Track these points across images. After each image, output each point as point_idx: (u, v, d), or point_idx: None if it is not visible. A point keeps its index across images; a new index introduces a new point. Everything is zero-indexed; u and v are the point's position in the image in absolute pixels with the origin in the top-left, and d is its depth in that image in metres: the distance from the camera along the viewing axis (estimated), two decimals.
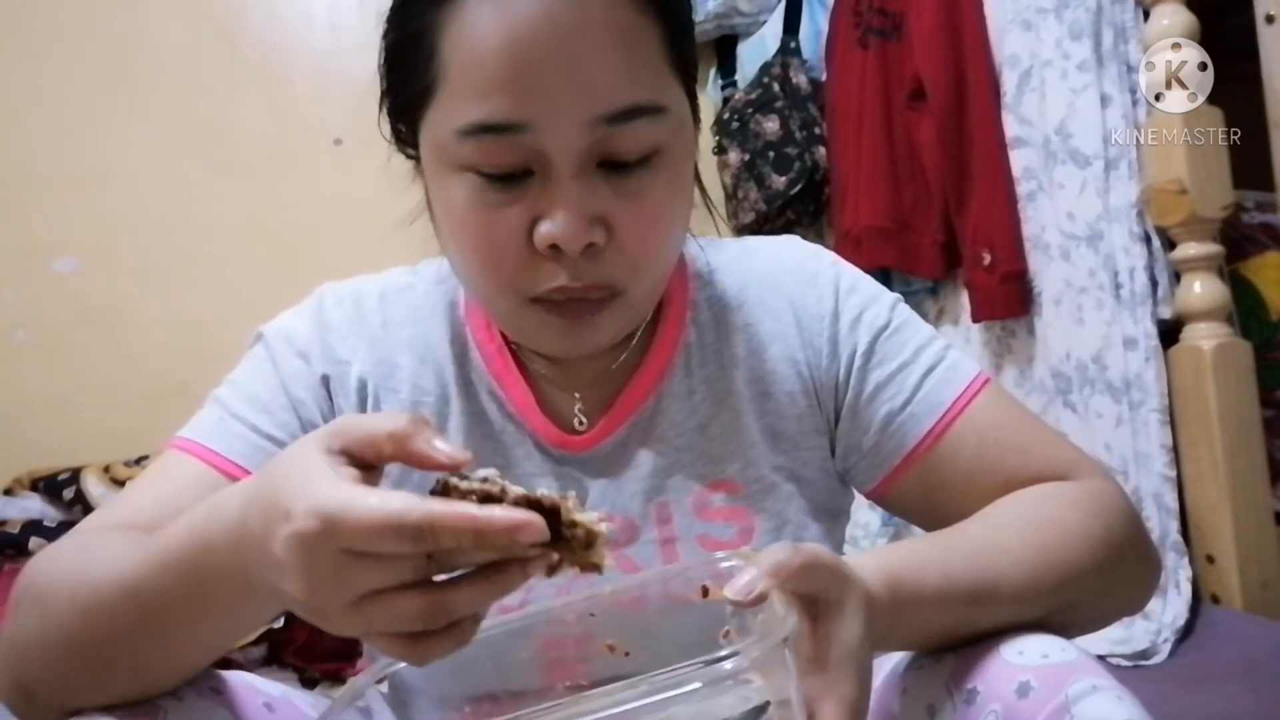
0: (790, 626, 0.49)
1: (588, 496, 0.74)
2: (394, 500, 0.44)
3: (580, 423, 0.76)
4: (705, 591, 0.59)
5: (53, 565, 0.62)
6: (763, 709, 0.51)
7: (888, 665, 0.68)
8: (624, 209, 0.64)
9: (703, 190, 0.79)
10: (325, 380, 0.76)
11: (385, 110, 0.71)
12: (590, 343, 0.69)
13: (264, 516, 0.47)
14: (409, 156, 0.73)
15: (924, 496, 0.74)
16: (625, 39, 0.63)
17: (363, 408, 0.76)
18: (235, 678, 0.66)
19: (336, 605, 0.46)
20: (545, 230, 0.63)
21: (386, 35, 0.69)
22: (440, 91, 0.64)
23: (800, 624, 0.53)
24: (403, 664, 0.58)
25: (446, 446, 0.47)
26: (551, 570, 0.47)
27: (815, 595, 0.54)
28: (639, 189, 0.65)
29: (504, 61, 0.61)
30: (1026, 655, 0.58)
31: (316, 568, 0.45)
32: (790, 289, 0.78)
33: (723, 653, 0.46)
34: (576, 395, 0.76)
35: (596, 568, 0.48)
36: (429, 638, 0.47)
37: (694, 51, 0.71)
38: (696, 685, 0.46)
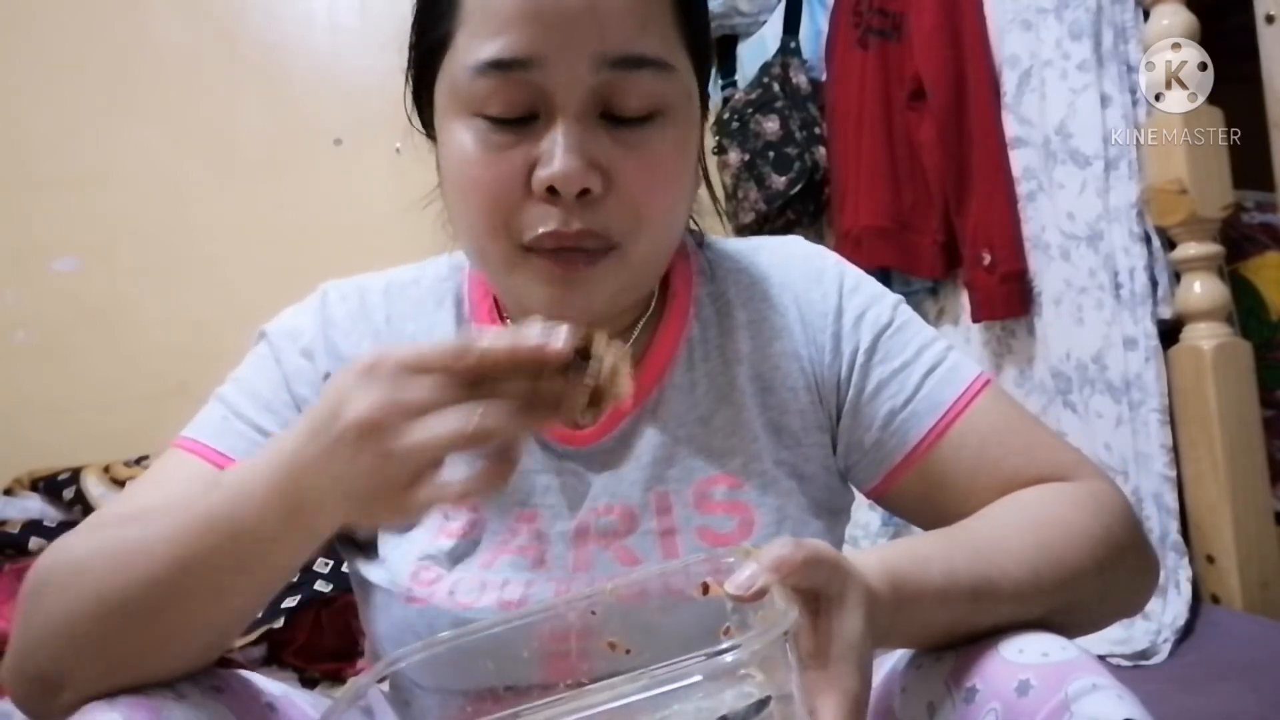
0: (791, 620, 0.49)
1: (589, 491, 0.74)
2: (442, 343, 0.52)
3: (583, 416, 0.76)
4: (705, 588, 0.59)
5: (79, 546, 0.62)
6: (764, 704, 0.51)
7: (888, 663, 0.68)
8: (625, 160, 0.65)
9: (709, 184, 0.79)
10: (329, 377, 0.76)
11: (409, 78, 0.74)
12: (582, 300, 0.68)
13: (332, 388, 0.53)
14: (426, 134, 0.74)
15: (924, 496, 0.74)
16: None
17: None
18: (238, 677, 0.66)
19: (392, 431, 0.50)
20: (543, 172, 0.64)
21: None
22: (458, 34, 0.66)
23: (801, 619, 0.53)
24: (403, 663, 0.58)
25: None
26: (579, 410, 0.53)
27: (817, 590, 0.54)
28: (641, 142, 0.66)
29: (518, 1, 0.63)
30: (1026, 654, 0.58)
31: (374, 387, 0.51)
32: (794, 286, 0.78)
33: (724, 645, 0.46)
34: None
35: (617, 398, 0.54)
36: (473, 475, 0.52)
37: (706, 37, 0.73)
38: (697, 679, 0.46)
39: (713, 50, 0.75)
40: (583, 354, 0.53)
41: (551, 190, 0.64)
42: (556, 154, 0.63)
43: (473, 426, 0.50)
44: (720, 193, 2.41)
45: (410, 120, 0.76)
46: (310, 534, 0.57)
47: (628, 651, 0.64)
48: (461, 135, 0.66)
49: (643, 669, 0.46)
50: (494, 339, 0.51)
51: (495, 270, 0.71)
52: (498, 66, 0.63)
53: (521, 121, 0.65)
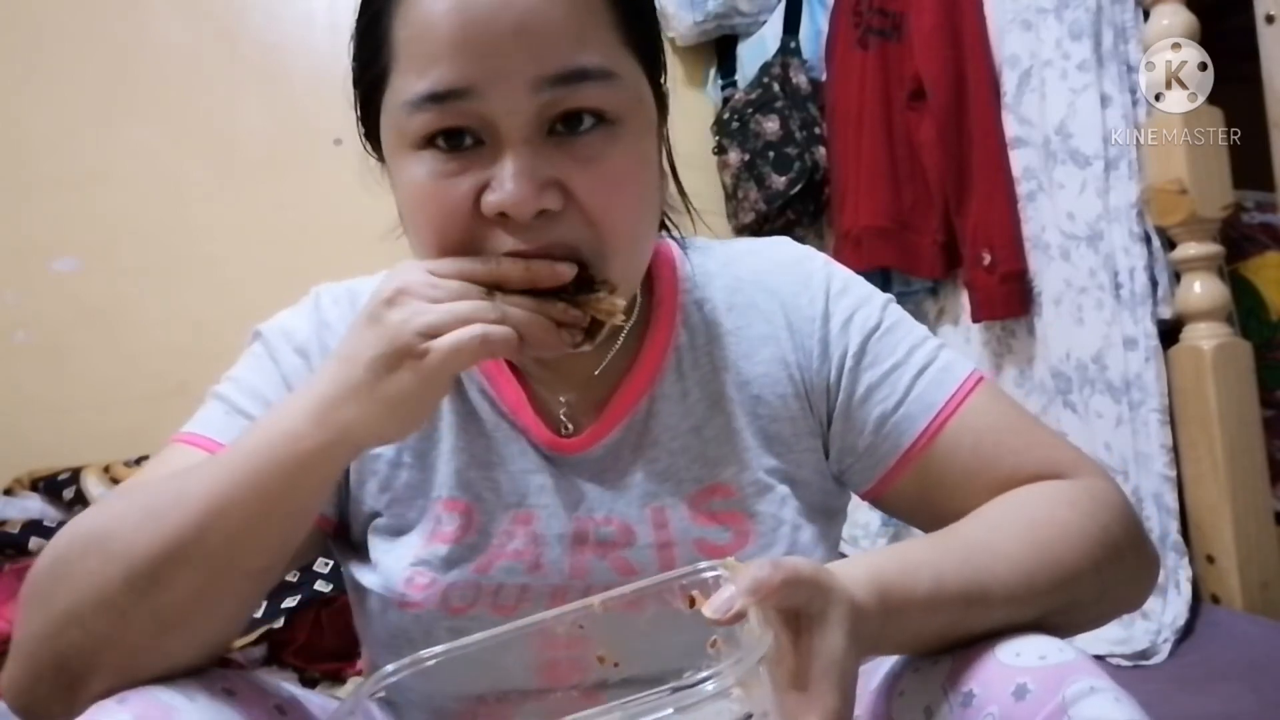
0: (766, 646, 0.49)
1: (584, 498, 0.74)
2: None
3: (566, 428, 0.75)
4: (692, 601, 0.59)
5: (98, 518, 0.63)
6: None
7: (883, 668, 0.68)
8: (580, 172, 0.64)
9: (677, 182, 0.77)
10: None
11: (356, 113, 0.73)
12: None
13: (371, 302, 0.62)
14: (379, 159, 0.73)
15: (920, 497, 0.74)
16: (571, 8, 0.63)
17: None
18: (247, 679, 0.66)
19: (423, 307, 0.59)
20: (492, 198, 0.62)
21: (353, 31, 0.70)
22: (393, 71, 0.65)
23: (779, 640, 0.53)
24: (393, 679, 0.58)
25: None
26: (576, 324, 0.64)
27: (797, 609, 0.54)
28: (594, 154, 0.64)
29: (446, 31, 0.61)
30: (1023, 657, 0.58)
31: (408, 281, 0.60)
32: (781, 291, 0.77)
33: (699, 676, 0.47)
34: (562, 399, 0.76)
35: (610, 313, 0.65)
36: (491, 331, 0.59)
37: (654, 35, 0.71)
38: (669, 711, 0.47)
39: (661, 48, 0.73)
40: (581, 285, 0.64)
41: (503, 215, 0.63)
42: (506, 180, 0.62)
43: (494, 313, 0.60)
44: (719, 193, 2.42)
45: (366, 150, 0.75)
46: (342, 453, 0.62)
47: (615, 665, 0.64)
48: (410, 169, 0.65)
49: (631, 685, 0.47)
50: (514, 254, 0.62)
51: None
52: (434, 99, 0.62)
53: (467, 148, 0.64)
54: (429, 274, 0.62)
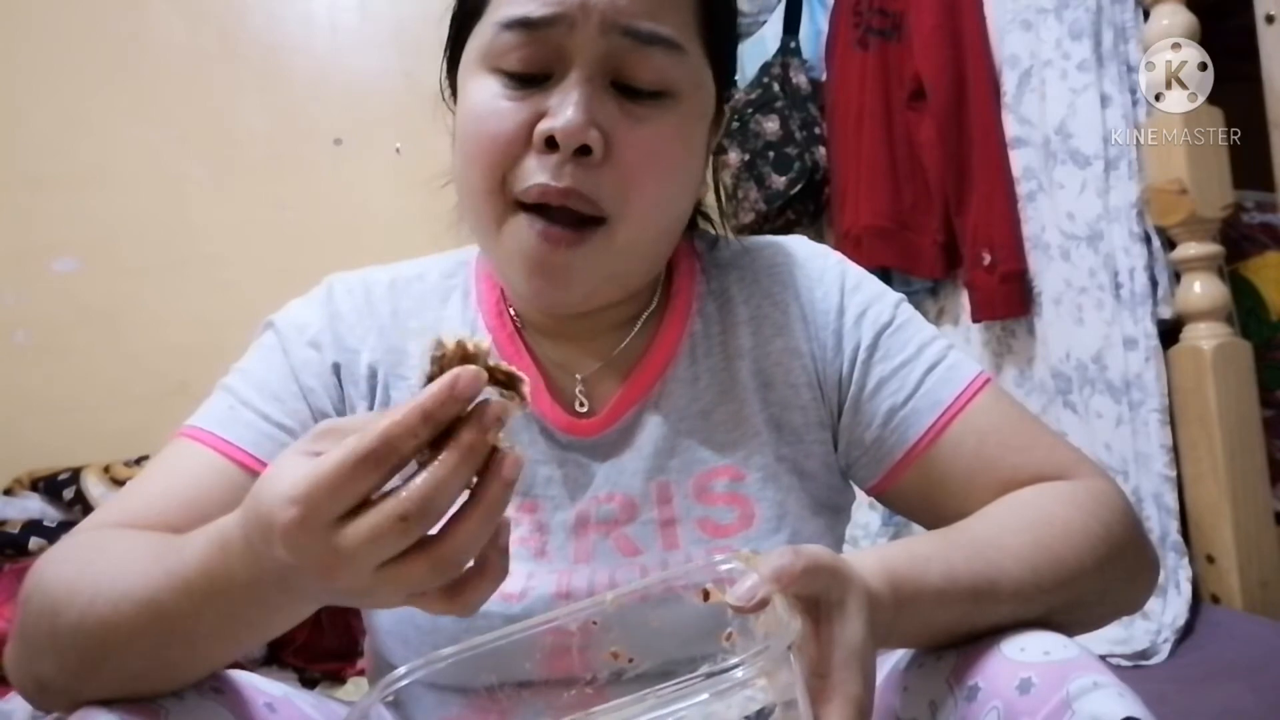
0: (795, 632, 0.49)
1: (591, 482, 0.75)
2: (347, 442, 0.45)
3: (581, 404, 0.77)
4: (706, 595, 0.59)
5: (62, 570, 0.62)
6: (769, 712, 0.51)
7: (889, 663, 0.68)
8: (628, 130, 0.68)
9: (719, 196, 0.82)
10: (336, 368, 0.77)
11: (446, 46, 0.77)
12: (563, 278, 0.69)
13: (260, 532, 0.48)
14: (451, 107, 0.77)
15: (924, 493, 0.74)
16: None
17: (372, 395, 0.77)
18: (237, 678, 0.66)
19: (362, 581, 0.47)
20: (545, 123, 0.66)
21: None
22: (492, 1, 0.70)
23: (804, 627, 0.53)
24: (404, 681, 0.57)
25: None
26: (501, 420, 0.47)
27: (817, 597, 0.54)
28: (646, 117, 0.68)
29: None
30: (1028, 652, 0.58)
31: (318, 552, 0.46)
32: (797, 284, 0.79)
33: (730, 662, 0.47)
34: (578, 376, 0.77)
35: (524, 402, 0.49)
36: (465, 585, 0.49)
37: (728, 44, 0.77)
38: (704, 697, 0.46)
39: (734, 58, 0.78)
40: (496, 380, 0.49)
41: (550, 143, 0.66)
42: (563, 107, 0.66)
43: (439, 557, 0.46)
44: (722, 194, 2.42)
45: (441, 88, 0.79)
46: (304, 605, 0.54)
47: (630, 660, 0.64)
48: (479, 88, 0.69)
49: (646, 680, 0.47)
50: (403, 412, 0.45)
51: (486, 232, 0.72)
52: (523, 24, 0.67)
53: (535, 81, 0.68)
54: (327, 482, 0.46)
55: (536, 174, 0.67)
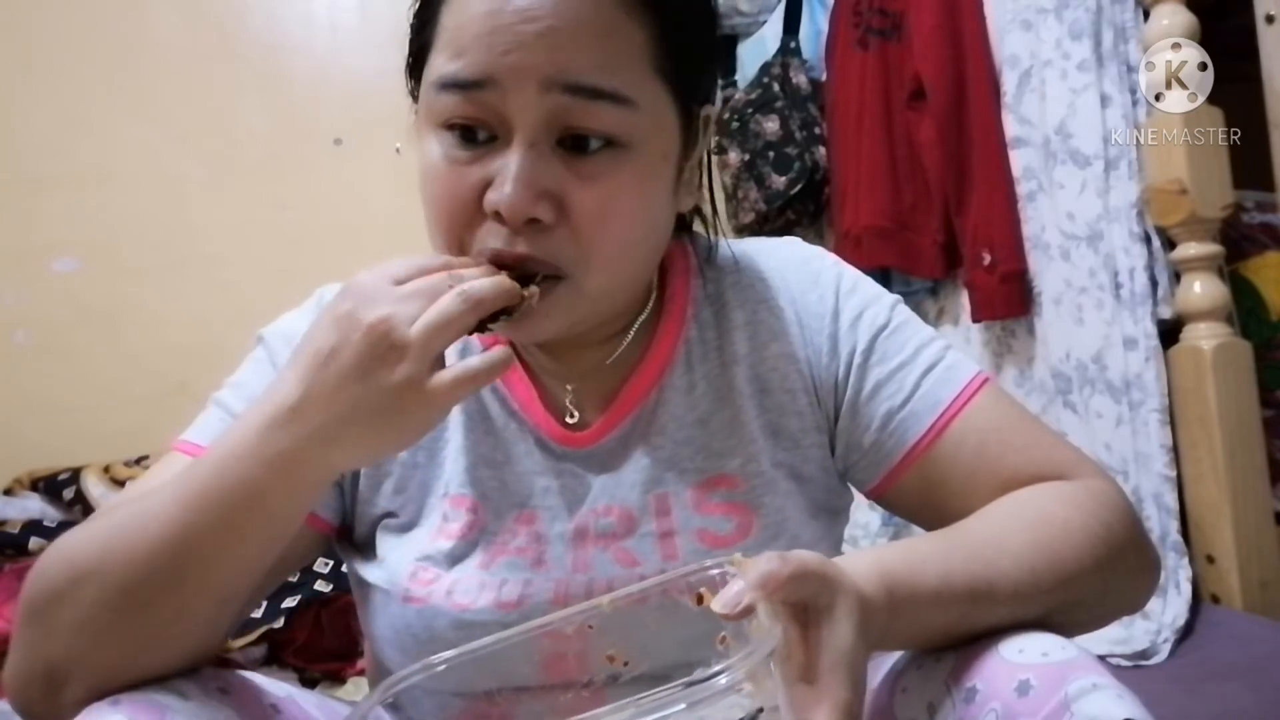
0: (775, 639, 0.49)
1: (589, 493, 0.75)
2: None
3: (572, 415, 0.76)
4: (700, 598, 0.59)
5: (76, 541, 0.63)
6: (753, 717, 0.51)
7: (887, 664, 0.68)
8: (579, 189, 0.65)
9: (713, 201, 0.80)
10: None
11: (408, 78, 0.76)
12: (531, 328, 0.68)
13: (306, 349, 0.59)
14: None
15: (924, 495, 0.74)
16: (603, 32, 0.64)
17: None
18: (242, 678, 0.66)
19: (401, 328, 0.56)
20: (492, 197, 0.64)
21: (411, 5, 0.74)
22: (433, 49, 0.68)
23: (787, 634, 0.53)
24: (401, 685, 0.58)
25: None
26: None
27: (805, 602, 0.54)
28: (598, 173, 0.65)
29: (480, 22, 0.64)
30: (1026, 653, 0.58)
31: (389, 304, 0.57)
32: (792, 288, 0.78)
33: (711, 671, 0.47)
34: (569, 387, 0.77)
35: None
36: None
37: (698, 64, 0.72)
38: (681, 706, 0.47)
39: (708, 77, 0.75)
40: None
41: (499, 215, 0.64)
42: (506, 181, 0.63)
43: (470, 294, 0.58)
44: (720, 204, 2.41)
45: (414, 113, 0.77)
46: (308, 488, 0.61)
47: (625, 664, 0.64)
48: (430, 146, 0.68)
49: (641, 683, 0.47)
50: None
51: None
52: (456, 85, 0.65)
53: (482, 140, 0.66)
54: (397, 287, 0.60)
55: (491, 239, 0.65)
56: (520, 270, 0.64)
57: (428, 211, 0.69)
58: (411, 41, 0.73)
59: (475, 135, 0.66)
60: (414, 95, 0.74)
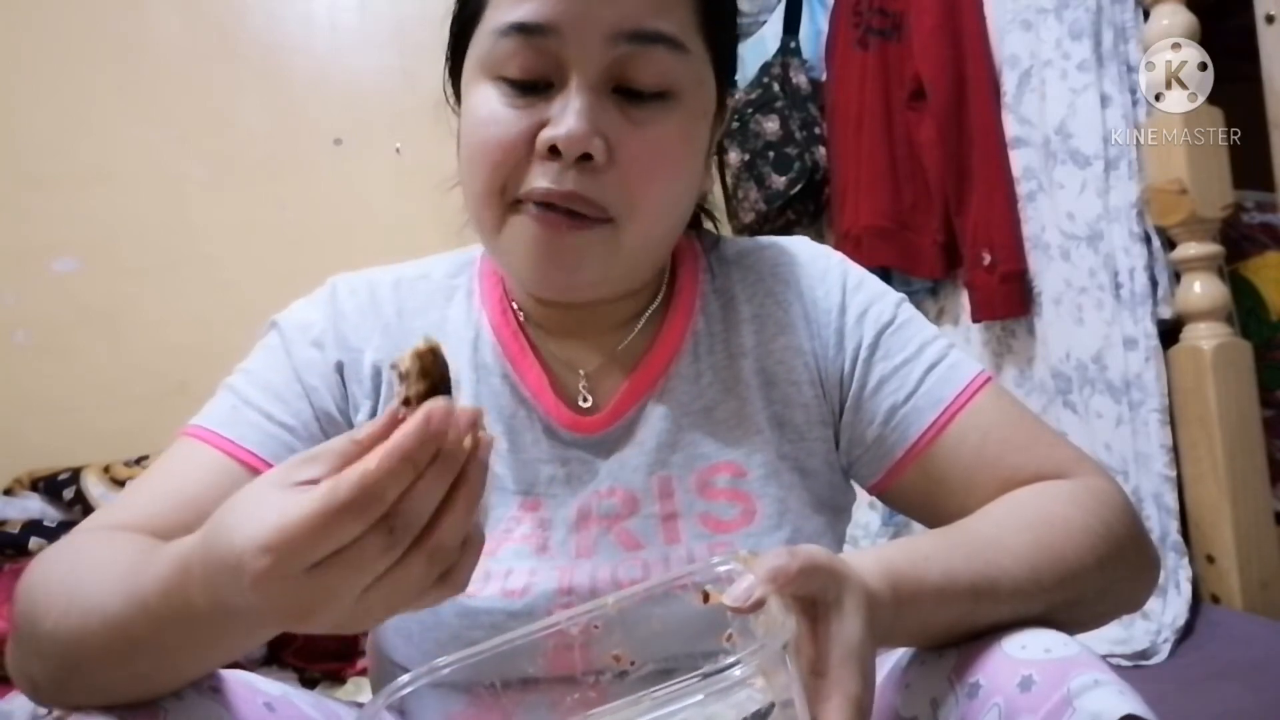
0: (790, 631, 0.49)
1: (595, 476, 0.75)
2: (320, 487, 0.43)
3: (585, 399, 0.77)
4: (706, 596, 0.59)
5: (47, 575, 0.62)
6: (766, 712, 0.51)
7: (890, 660, 0.68)
8: (630, 135, 0.68)
9: (724, 183, 0.81)
10: (339, 367, 0.77)
11: (448, 48, 0.76)
12: (568, 264, 0.69)
13: (227, 573, 0.46)
14: (455, 109, 0.77)
15: (925, 492, 0.75)
16: None
17: (376, 394, 0.77)
18: (235, 677, 0.66)
19: (343, 612, 0.46)
20: (548, 132, 0.66)
21: None
22: (490, 3, 0.70)
23: (800, 626, 0.53)
24: (408, 689, 0.57)
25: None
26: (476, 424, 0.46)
27: (814, 596, 0.54)
28: (649, 119, 0.68)
29: None
30: (1029, 650, 0.58)
31: (295, 596, 0.44)
32: (799, 283, 0.79)
33: (726, 662, 0.47)
34: (581, 372, 0.78)
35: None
36: (453, 566, 0.47)
37: (729, 38, 0.76)
38: (699, 698, 0.47)
39: (734, 52, 0.78)
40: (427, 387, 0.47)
41: (553, 151, 0.66)
42: (565, 116, 0.66)
43: (429, 560, 0.46)
44: (718, 194, 2.42)
45: (444, 91, 0.79)
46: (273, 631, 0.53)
47: (632, 663, 0.64)
48: (481, 96, 0.69)
49: (648, 682, 0.46)
50: (383, 455, 0.43)
51: (488, 234, 0.73)
52: (520, 30, 0.66)
53: (537, 88, 0.68)
54: (305, 531, 0.44)
55: (539, 179, 0.67)
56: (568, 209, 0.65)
57: (471, 156, 0.71)
58: (461, 10, 0.74)
59: (531, 86, 0.68)
60: (455, 63, 0.76)
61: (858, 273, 0.81)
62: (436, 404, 0.44)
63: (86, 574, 0.60)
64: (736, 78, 2.67)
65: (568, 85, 0.67)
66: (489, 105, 0.69)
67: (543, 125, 0.67)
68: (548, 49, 0.66)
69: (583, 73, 0.66)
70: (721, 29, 0.74)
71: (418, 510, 0.45)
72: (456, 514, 0.46)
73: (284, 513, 0.43)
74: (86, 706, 0.58)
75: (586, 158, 0.66)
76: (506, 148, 0.68)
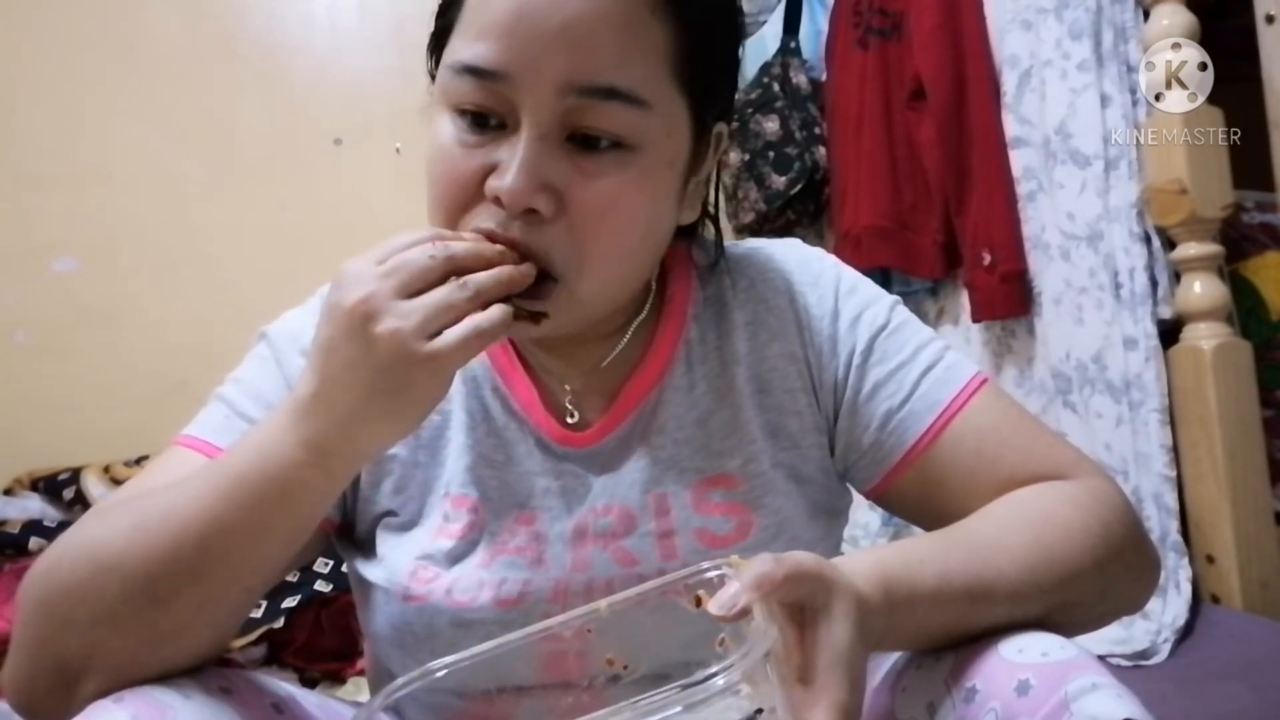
0: (770, 641, 0.49)
1: (589, 493, 0.75)
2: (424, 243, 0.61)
3: (571, 415, 0.76)
4: (698, 601, 0.59)
5: (91, 530, 0.63)
6: (752, 718, 0.51)
7: (886, 664, 0.68)
8: (581, 187, 0.65)
9: (718, 201, 0.80)
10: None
11: (429, 55, 0.75)
12: (528, 330, 0.68)
13: (343, 353, 0.58)
14: None
15: (923, 495, 0.74)
16: (625, 27, 0.64)
17: None
18: (244, 678, 0.66)
19: (403, 313, 0.57)
20: (493, 182, 0.65)
21: None
22: (455, 29, 0.68)
23: (783, 635, 0.53)
24: (401, 693, 0.57)
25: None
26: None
27: (801, 603, 0.54)
28: (601, 171, 0.65)
29: (501, 13, 0.64)
30: (1026, 653, 0.58)
31: (370, 290, 0.57)
32: (792, 289, 0.78)
33: (708, 673, 0.47)
34: (567, 387, 0.77)
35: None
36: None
37: (715, 75, 0.72)
38: (678, 709, 0.47)
39: (725, 89, 0.75)
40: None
41: (499, 200, 0.64)
42: (510, 168, 0.63)
43: (472, 298, 0.59)
44: (721, 199, 2.42)
45: (430, 95, 0.77)
46: (338, 476, 0.62)
47: (625, 667, 0.64)
48: (441, 126, 0.68)
49: (640, 686, 0.47)
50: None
51: None
52: (471, 72, 0.65)
53: (493, 125, 0.66)
54: (379, 266, 0.59)
55: (486, 220, 0.65)
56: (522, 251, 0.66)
57: (429, 189, 0.70)
58: (437, 18, 0.72)
59: (486, 121, 0.66)
60: (433, 74, 0.74)
61: (851, 276, 0.80)
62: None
63: (142, 511, 0.62)
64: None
65: (519, 131, 0.64)
66: (444, 138, 0.67)
67: (492, 167, 0.65)
68: (498, 93, 0.64)
69: (533, 121, 0.64)
70: (703, 69, 0.69)
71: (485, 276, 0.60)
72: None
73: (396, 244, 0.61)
74: (99, 696, 0.58)
75: (532, 211, 0.64)
76: (458, 186, 0.67)
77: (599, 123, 0.64)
